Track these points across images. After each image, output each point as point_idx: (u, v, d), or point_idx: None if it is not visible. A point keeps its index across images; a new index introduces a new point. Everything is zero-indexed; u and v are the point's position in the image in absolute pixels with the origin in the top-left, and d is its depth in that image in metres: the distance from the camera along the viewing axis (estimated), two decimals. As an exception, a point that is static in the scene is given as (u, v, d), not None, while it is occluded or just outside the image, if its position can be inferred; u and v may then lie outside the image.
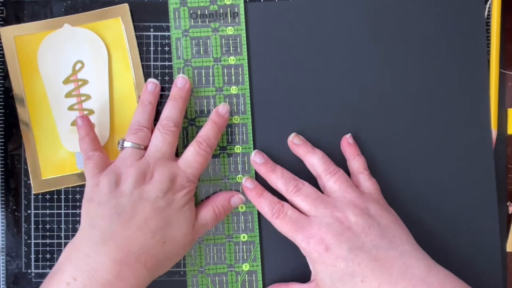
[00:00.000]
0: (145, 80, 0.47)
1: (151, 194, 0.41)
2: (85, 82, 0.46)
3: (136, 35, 0.47)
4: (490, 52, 0.47)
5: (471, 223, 0.47)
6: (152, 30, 0.47)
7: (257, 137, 0.47)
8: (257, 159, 0.46)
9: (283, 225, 0.42)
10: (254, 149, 0.47)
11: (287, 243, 0.44)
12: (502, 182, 0.48)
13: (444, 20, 0.47)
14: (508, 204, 0.48)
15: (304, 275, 0.45)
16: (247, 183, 0.46)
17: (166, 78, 0.47)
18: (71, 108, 0.46)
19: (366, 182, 0.44)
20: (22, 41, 0.46)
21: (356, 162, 0.45)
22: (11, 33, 0.46)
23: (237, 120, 0.47)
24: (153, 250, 0.41)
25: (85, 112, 0.46)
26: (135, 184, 0.41)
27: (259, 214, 0.47)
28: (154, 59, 0.47)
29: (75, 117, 0.45)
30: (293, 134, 0.46)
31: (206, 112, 0.46)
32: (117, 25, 0.46)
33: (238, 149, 0.47)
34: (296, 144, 0.46)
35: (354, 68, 0.47)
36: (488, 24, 0.48)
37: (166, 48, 0.47)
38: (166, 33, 0.47)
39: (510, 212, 0.48)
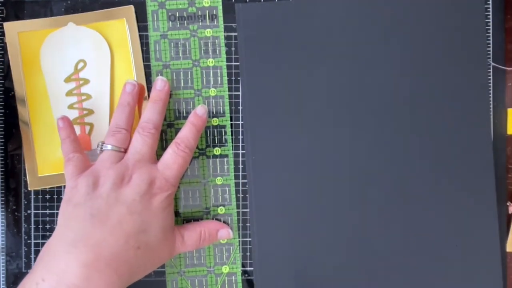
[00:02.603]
0: (147, 82, 0.47)
1: (128, 197, 0.41)
2: (86, 81, 0.47)
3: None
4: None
5: (470, 223, 0.47)
6: (152, 30, 0.47)
7: (236, 137, 0.47)
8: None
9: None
10: (232, 150, 0.47)
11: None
12: (501, 182, 0.47)
13: (445, 20, 0.46)
14: (508, 204, 0.47)
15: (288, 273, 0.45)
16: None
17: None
18: (71, 106, 0.47)
19: None
20: (25, 37, 0.46)
21: None
22: (15, 28, 0.46)
23: (216, 122, 0.47)
24: (125, 256, 0.40)
25: (85, 112, 0.46)
26: (112, 186, 0.41)
27: (238, 216, 0.47)
28: (155, 59, 0.47)
29: (74, 116, 0.46)
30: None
31: (185, 114, 0.47)
32: (122, 27, 0.47)
33: (217, 151, 0.47)
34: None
35: (351, 69, 0.46)
36: (488, 24, 0.48)
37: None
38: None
39: (510, 212, 0.47)
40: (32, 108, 0.46)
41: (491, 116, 0.47)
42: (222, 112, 0.47)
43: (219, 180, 0.47)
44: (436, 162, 0.47)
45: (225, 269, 0.47)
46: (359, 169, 0.46)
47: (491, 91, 0.47)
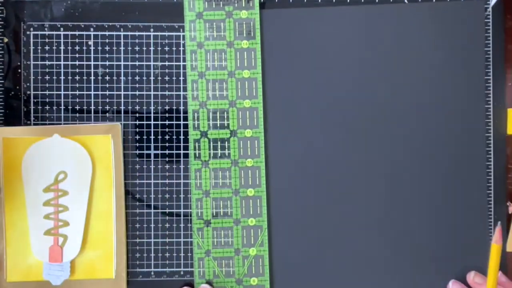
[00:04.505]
0: (126, 200, 0.47)
1: None
2: (65, 193, 0.46)
3: (136, 35, 0.47)
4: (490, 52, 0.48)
5: (464, 223, 0.47)
6: (152, 30, 0.47)
7: (269, 123, 0.47)
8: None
9: None
10: (264, 131, 0.47)
11: (295, 227, 0.45)
12: (501, 182, 0.48)
13: (443, 27, 0.47)
14: (508, 204, 0.48)
15: (311, 258, 0.46)
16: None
17: (166, 78, 0.47)
18: (47, 216, 0.46)
19: None
20: (9, 143, 0.46)
21: None
22: (0, 134, 0.46)
23: (248, 105, 0.47)
24: None
25: (60, 223, 0.46)
26: None
27: (268, 198, 0.47)
28: (154, 59, 0.47)
29: (49, 226, 0.46)
30: (472, 273, 0.46)
31: (217, 96, 0.47)
32: (107, 143, 0.47)
33: (248, 133, 0.47)
34: (478, 283, 0.45)
35: (350, 75, 0.47)
36: (488, 24, 0.48)
37: (166, 48, 0.47)
38: (166, 33, 0.47)
39: (510, 212, 0.48)
40: (8, 214, 0.46)
41: (491, 116, 0.47)
42: (254, 95, 0.47)
43: (250, 192, 0.47)
44: (432, 161, 0.47)
45: (253, 251, 0.47)
46: (354, 165, 0.47)
47: (491, 91, 0.48)
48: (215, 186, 0.47)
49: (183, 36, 0.47)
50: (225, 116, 0.47)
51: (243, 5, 0.47)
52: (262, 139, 0.47)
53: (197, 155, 0.47)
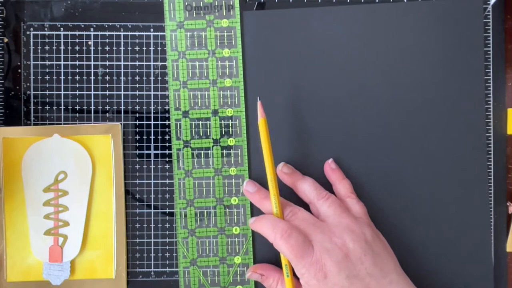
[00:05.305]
0: (126, 200, 0.47)
1: None
2: (65, 193, 0.46)
3: (136, 35, 0.47)
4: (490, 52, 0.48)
5: (463, 224, 0.47)
6: (152, 30, 0.47)
7: (250, 128, 0.47)
8: (249, 188, 0.46)
9: (287, 247, 0.41)
10: (247, 140, 0.47)
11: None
12: (501, 182, 0.48)
13: (442, 26, 0.47)
14: (508, 204, 0.48)
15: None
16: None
17: (166, 78, 0.47)
18: (47, 217, 0.46)
19: (355, 205, 0.44)
20: (9, 143, 0.46)
21: (342, 186, 0.45)
22: (0, 134, 0.46)
23: (231, 113, 0.47)
24: None
25: (60, 223, 0.46)
26: None
27: (251, 207, 0.47)
28: (154, 59, 0.47)
29: (49, 226, 0.46)
30: (281, 164, 0.46)
31: (199, 105, 0.47)
32: (107, 143, 0.47)
33: (231, 141, 0.47)
34: (286, 173, 0.45)
35: (349, 76, 0.47)
36: (488, 24, 0.48)
37: (166, 48, 0.47)
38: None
39: (510, 212, 0.48)
40: (8, 214, 0.46)
41: (491, 116, 0.47)
42: (237, 103, 0.47)
43: (233, 171, 0.47)
44: (431, 165, 0.47)
45: (238, 259, 0.47)
46: (351, 170, 0.47)
47: (491, 91, 0.48)
48: (199, 195, 0.47)
49: (184, 36, 0.47)
50: (208, 125, 0.47)
51: (224, 14, 0.46)
52: (245, 147, 0.47)
53: (180, 165, 0.47)
